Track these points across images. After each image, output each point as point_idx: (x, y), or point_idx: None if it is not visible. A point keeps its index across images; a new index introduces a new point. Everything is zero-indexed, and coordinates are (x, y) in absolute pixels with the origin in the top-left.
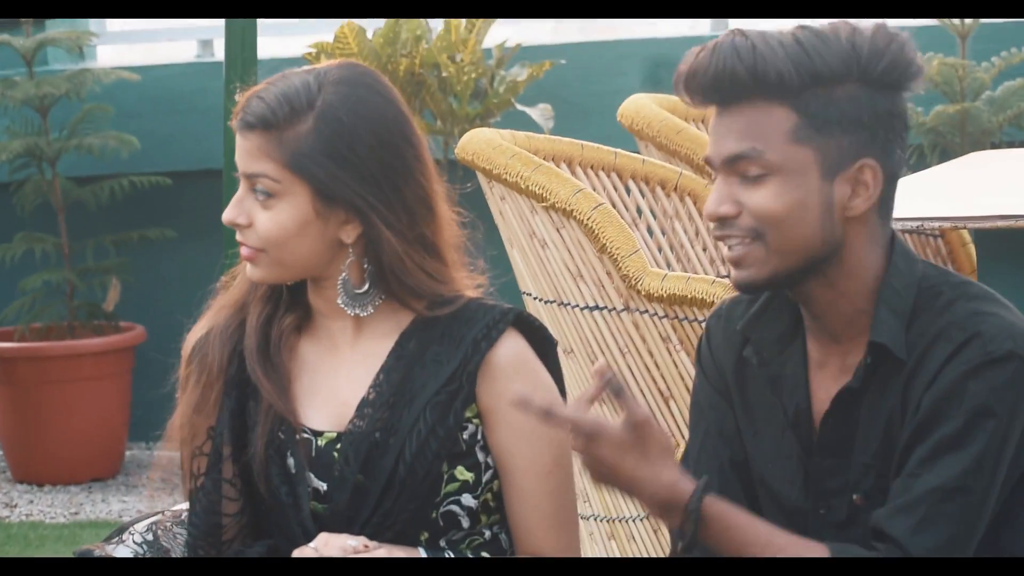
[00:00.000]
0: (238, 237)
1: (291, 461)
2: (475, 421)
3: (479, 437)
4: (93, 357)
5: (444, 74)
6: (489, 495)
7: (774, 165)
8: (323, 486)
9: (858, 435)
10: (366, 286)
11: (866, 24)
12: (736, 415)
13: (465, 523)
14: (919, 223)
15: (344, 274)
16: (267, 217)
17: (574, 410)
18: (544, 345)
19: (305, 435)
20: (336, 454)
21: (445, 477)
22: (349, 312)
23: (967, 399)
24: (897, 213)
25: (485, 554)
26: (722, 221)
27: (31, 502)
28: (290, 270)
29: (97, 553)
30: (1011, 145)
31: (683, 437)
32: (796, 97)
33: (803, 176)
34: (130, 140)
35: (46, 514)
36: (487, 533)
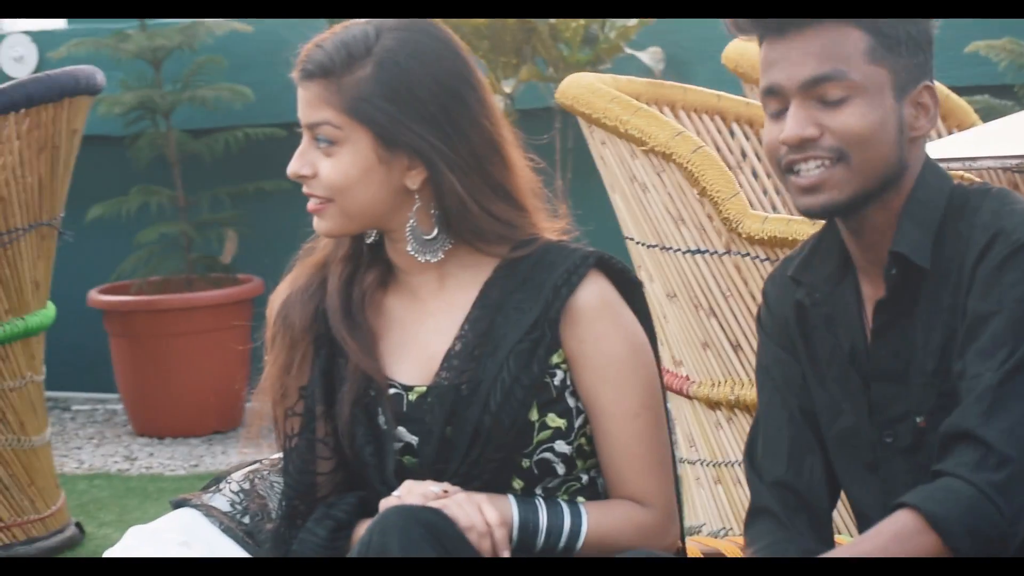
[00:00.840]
0: (304, 189)
1: (381, 419)
2: (563, 367)
3: (568, 383)
4: (211, 310)
5: (554, 20)
6: (583, 440)
7: (857, 85)
8: (415, 440)
9: (913, 357)
10: (434, 232)
11: None
12: (802, 364)
13: (560, 470)
14: (1021, 160)
15: (412, 220)
16: (330, 165)
17: None
18: (628, 286)
19: (395, 390)
20: (426, 407)
21: (537, 425)
22: (420, 259)
23: (1005, 291)
24: (996, 151)
25: (581, 499)
26: (803, 144)
27: (151, 455)
28: (356, 220)
29: (194, 502)
30: None
31: None
32: (868, 18)
33: (881, 96)
34: (243, 92)
35: (166, 467)
36: (584, 478)
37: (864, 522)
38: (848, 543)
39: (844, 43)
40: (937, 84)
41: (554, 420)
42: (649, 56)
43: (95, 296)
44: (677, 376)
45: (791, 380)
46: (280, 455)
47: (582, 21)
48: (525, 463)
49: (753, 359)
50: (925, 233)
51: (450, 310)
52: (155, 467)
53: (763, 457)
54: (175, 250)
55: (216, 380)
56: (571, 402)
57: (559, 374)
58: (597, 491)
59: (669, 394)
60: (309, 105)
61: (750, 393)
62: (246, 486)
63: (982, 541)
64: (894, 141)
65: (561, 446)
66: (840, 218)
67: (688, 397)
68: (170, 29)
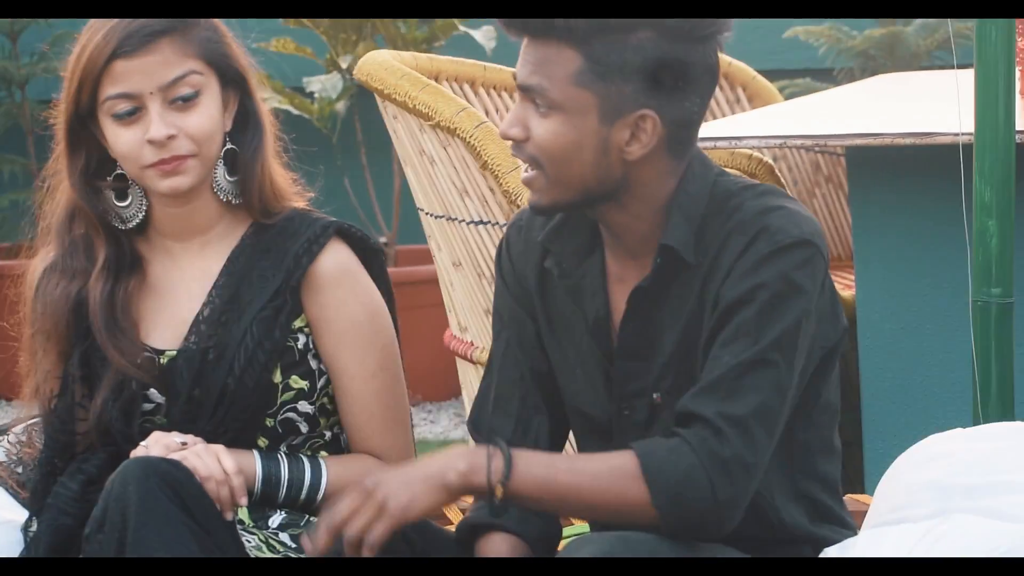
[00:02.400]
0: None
1: (133, 383)
2: (305, 331)
3: (311, 346)
4: None
5: None
6: (326, 399)
7: (555, 103)
8: (163, 400)
9: (657, 338)
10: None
11: None
12: (539, 325)
13: (304, 428)
14: (781, 141)
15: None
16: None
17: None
18: (368, 254)
19: (148, 354)
20: (175, 371)
21: (280, 387)
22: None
23: (761, 285)
24: (759, 131)
25: (324, 454)
26: (514, 143)
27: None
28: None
29: None
30: (941, 68)
31: None
32: (584, 42)
33: (582, 117)
34: None
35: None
36: (327, 435)
37: None
38: (570, 456)
39: (555, 61)
40: (742, 65)
41: (297, 382)
42: (482, 35)
43: None
44: (462, 342)
45: (525, 339)
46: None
47: None
48: (270, 422)
49: None
50: (690, 226)
51: (202, 277)
52: None
53: (493, 415)
54: (26, 217)
55: None
56: (313, 364)
57: (302, 338)
58: (340, 447)
59: (456, 358)
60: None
61: None
62: (23, 437)
63: (685, 511)
64: (592, 161)
65: (304, 406)
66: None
67: (472, 362)
68: None
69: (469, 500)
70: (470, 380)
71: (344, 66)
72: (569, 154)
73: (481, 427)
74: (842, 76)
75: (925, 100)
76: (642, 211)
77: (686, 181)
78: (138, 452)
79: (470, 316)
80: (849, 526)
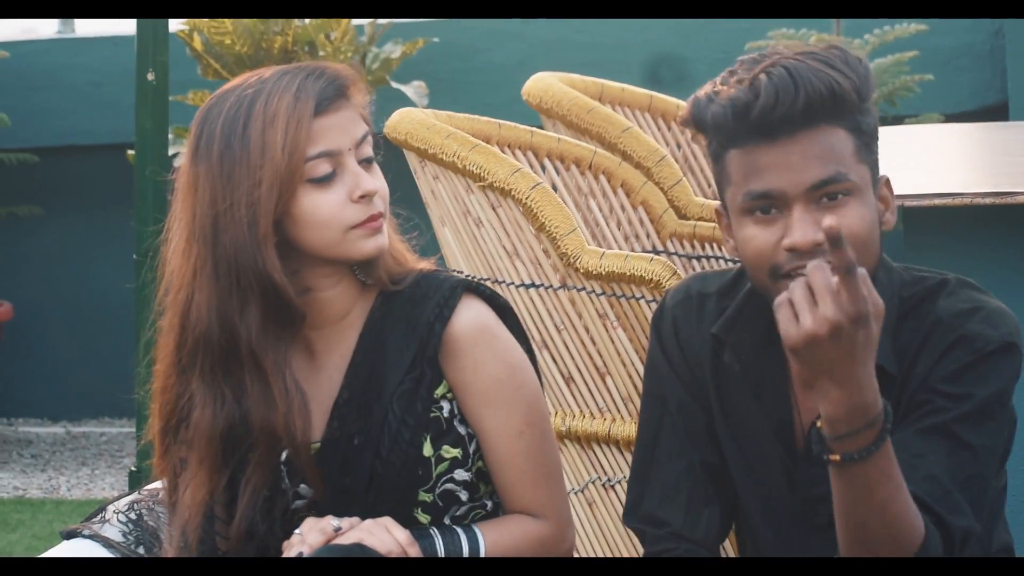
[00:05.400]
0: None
1: (285, 482)
2: (448, 397)
3: (456, 412)
4: None
5: (319, 52)
6: (481, 463)
7: (855, 186)
8: (310, 491)
9: None
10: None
11: (833, 49)
12: (713, 417)
13: (464, 496)
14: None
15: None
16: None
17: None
18: (500, 310)
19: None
20: (323, 463)
21: (433, 459)
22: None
23: (966, 392)
24: None
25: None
26: (813, 249)
27: None
28: None
29: (85, 532)
30: (883, 122)
31: (618, 412)
32: (852, 117)
33: (868, 194)
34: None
35: None
36: (488, 504)
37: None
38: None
39: (839, 145)
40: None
41: (449, 451)
42: (413, 90)
43: None
44: None
45: (694, 430)
46: (156, 485)
47: (349, 53)
48: (428, 497)
49: (583, 392)
50: (888, 336)
51: (340, 362)
52: None
53: (659, 509)
54: None
55: None
56: (462, 430)
57: (446, 406)
58: (500, 514)
59: None
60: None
61: (580, 424)
62: (133, 516)
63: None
64: (879, 238)
65: (461, 474)
66: None
67: None
68: None
69: None
70: None
71: None
72: (872, 233)
73: (644, 519)
74: None
75: (942, 157)
76: None
77: (876, 287)
78: (293, 542)
79: None
80: None
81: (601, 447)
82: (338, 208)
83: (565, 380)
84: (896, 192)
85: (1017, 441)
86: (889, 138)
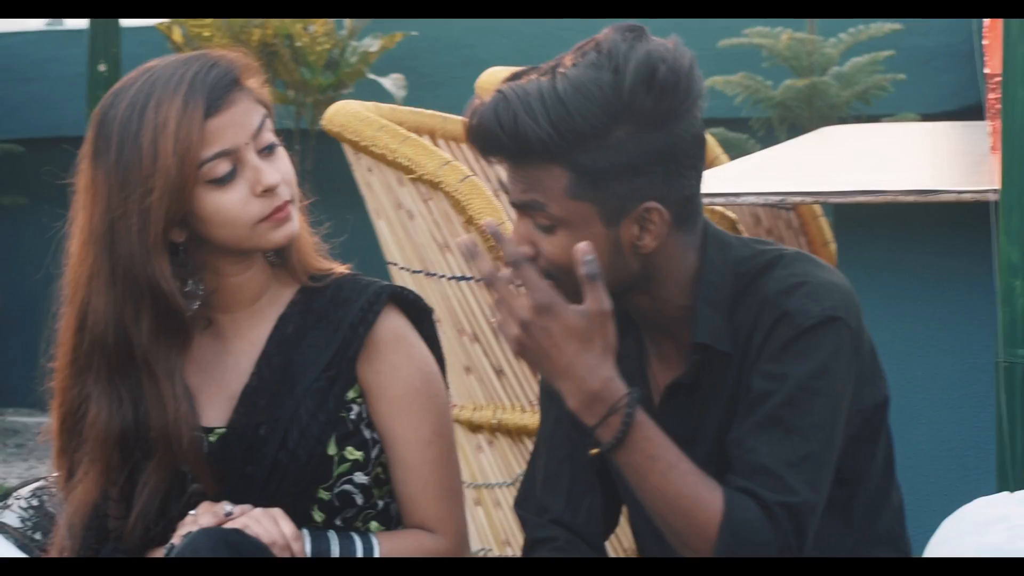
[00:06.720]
0: None
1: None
2: (359, 401)
3: (364, 415)
4: None
5: (298, 44)
6: (379, 469)
7: (558, 218)
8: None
9: (699, 425)
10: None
11: (636, 55)
12: None
13: (359, 500)
14: (781, 198)
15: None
16: None
17: (536, 276)
18: (420, 315)
19: (196, 434)
20: (226, 448)
21: (336, 459)
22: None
23: (786, 372)
24: (756, 188)
25: (375, 524)
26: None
27: None
28: None
29: None
30: (858, 119)
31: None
32: (566, 157)
33: (586, 227)
34: None
35: None
36: (379, 504)
37: (641, 544)
38: (674, 461)
39: (545, 178)
40: None
41: (352, 453)
42: (391, 83)
43: None
44: None
45: (573, 417)
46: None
47: (327, 45)
48: (326, 495)
49: (514, 385)
50: (720, 314)
51: (249, 348)
52: None
53: (542, 493)
54: None
55: None
56: (367, 434)
57: (355, 408)
58: (390, 516)
59: None
60: None
61: (512, 416)
62: (35, 503)
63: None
64: (609, 263)
65: (360, 477)
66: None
67: (454, 422)
68: None
69: None
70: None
71: None
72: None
73: (529, 506)
74: (759, 126)
75: (890, 155)
76: (667, 294)
77: (706, 271)
78: (186, 522)
79: (449, 373)
80: None
81: (532, 440)
82: (241, 205)
83: (496, 372)
84: (824, 189)
85: (915, 442)
86: (841, 136)
